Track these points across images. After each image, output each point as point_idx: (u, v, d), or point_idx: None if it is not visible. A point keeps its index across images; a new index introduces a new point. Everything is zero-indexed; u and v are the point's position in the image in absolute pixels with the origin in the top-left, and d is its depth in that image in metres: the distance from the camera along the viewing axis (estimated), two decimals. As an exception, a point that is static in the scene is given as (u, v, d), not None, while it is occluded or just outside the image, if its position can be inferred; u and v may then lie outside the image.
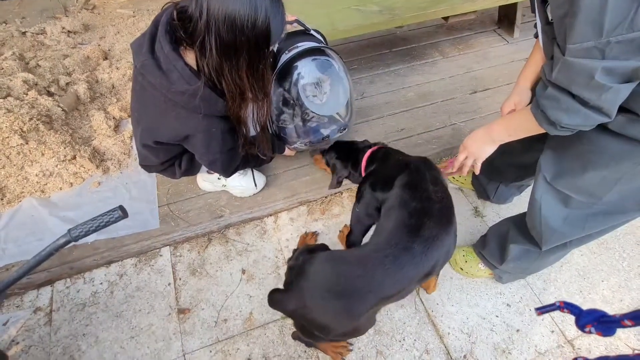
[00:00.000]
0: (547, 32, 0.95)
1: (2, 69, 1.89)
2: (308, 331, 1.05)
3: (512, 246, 1.35)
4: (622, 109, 0.81)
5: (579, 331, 1.45)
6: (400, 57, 2.38)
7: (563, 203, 1.09)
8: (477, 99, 2.13)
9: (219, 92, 1.04)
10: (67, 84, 1.94)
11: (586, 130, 0.82)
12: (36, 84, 1.83)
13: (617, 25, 0.64)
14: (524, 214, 1.28)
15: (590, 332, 0.77)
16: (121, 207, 1.01)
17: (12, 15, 2.64)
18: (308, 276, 1.00)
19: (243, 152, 1.26)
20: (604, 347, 1.44)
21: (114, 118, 1.89)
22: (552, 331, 1.48)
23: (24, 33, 2.41)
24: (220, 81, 1.00)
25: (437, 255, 0.99)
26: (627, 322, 0.69)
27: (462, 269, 1.58)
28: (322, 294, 0.97)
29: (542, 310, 0.87)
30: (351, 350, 1.38)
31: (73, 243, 1.22)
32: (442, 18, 1.98)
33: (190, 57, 1.02)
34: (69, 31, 2.43)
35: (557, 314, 1.51)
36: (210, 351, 1.40)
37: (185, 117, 1.07)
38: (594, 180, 1.00)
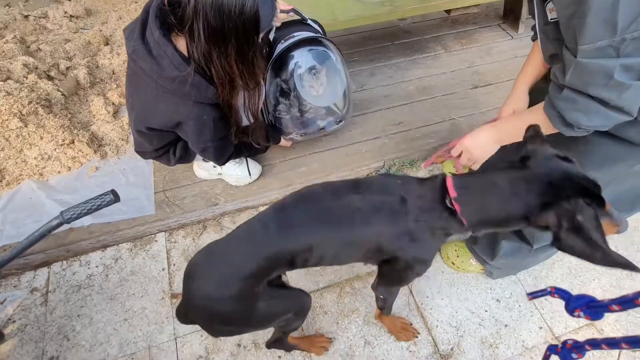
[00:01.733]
0: (546, 32, 0.94)
1: (3, 52, 1.91)
2: (212, 328, 1.00)
3: (504, 242, 1.35)
4: None
5: (567, 328, 1.47)
6: (402, 50, 2.36)
7: None
8: (478, 94, 2.12)
9: (209, 79, 1.05)
10: (67, 68, 1.94)
11: (604, 130, 0.81)
12: (36, 68, 1.84)
13: (632, 21, 0.63)
14: None
15: (579, 317, 0.79)
16: (113, 192, 1.03)
17: (15, -1, 2.64)
18: (186, 274, 0.96)
19: (236, 140, 1.26)
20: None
21: (113, 104, 1.90)
22: (541, 327, 1.49)
23: (26, 16, 2.41)
24: (209, 67, 1.00)
25: (294, 242, 0.90)
26: (615, 307, 0.71)
27: (453, 263, 1.59)
28: (196, 287, 0.93)
29: (534, 295, 0.88)
30: (333, 340, 1.40)
31: (67, 225, 1.24)
32: (445, 11, 1.95)
33: (182, 44, 1.02)
34: (71, 15, 2.43)
35: (547, 310, 1.52)
36: (202, 335, 1.42)
37: (177, 104, 1.07)
38: None
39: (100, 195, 1.02)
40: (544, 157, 0.78)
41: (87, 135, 1.73)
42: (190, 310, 0.97)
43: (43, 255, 1.52)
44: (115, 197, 1.02)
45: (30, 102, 1.66)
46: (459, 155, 1.12)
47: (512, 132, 0.98)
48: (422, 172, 1.91)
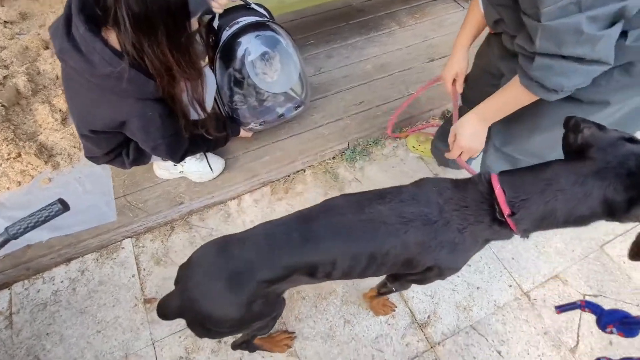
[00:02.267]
0: None
1: None
2: (203, 327, 0.92)
3: None
4: None
5: (534, 283, 1.54)
6: (357, 30, 2.35)
7: (512, 165, 1.13)
8: (435, 67, 2.14)
9: (148, 73, 1.00)
10: (4, 77, 1.82)
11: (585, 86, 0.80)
12: (-32, 80, 1.72)
13: None
14: None
15: (611, 332, 0.74)
16: (61, 200, 0.98)
17: (-62, 7, 2.42)
18: (191, 263, 0.90)
19: (187, 134, 1.22)
20: (557, 296, 1.53)
21: (60, 110, 1.80)
22: (510, 286, 1.56)
23: (-47, 26, 2.23)
24: (143, 58, 0.95)
25: (315, 254, 0.86)
26: None
27: (415, 148, 1.72)
28: (204, 280, 0.87)
29: (562, 309, 0.84)
30: (295, 337, 1.40)
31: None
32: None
33: (113, 38, 0.96)
34: (5, 21, 2.26)
35: (515, 269, 1.58)
36: (180, 337, 1.40)
37: (117, 103, 1.02)
38: (540, 143, 1.05)
39: (47, 206, 0.97)
40: (608, 143, 0.70)
41: (35, 147, 1.64)
42: (184, 303, 0.89)
43: (1, 276, 1.45)
44: (64, 206, 0.97)
45: (-35, 117, 1.55)
46: (460, 155, 1.12)
47: (494, 111, 0.99)
48: (388, 149, 1.93)
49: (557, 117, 0.92)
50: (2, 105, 1.71)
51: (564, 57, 0.73)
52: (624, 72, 0.82)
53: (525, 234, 0.80)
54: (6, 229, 0.95)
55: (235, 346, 1.23)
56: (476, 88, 1.29)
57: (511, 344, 1.42)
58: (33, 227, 0.96)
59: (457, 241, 0.82)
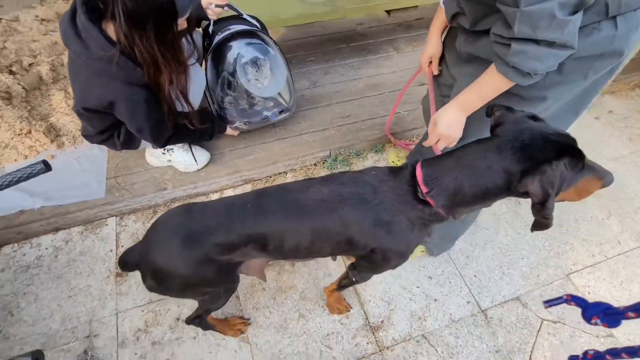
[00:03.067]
0: None
1: (-32, 48, 2.01)
2: (154, 280, 0.98)
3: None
4: None
5: (493, 302, 1.55)
6: (357, 52, 2.50)
7: None
8: (424, 91, 2.24)
9: (137, 61, 1.15)
10: (30, 64, 2.04)
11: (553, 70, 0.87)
12: (-2, 63, 1.95)
13: None
14: None
15: (596, 324, 0.77)
16: (44, 161, 1.10)
17: (-10, 4, 2.75)
18: (156, 222, 0.99)
19: (170, 122, 1.36)
20: (515, 317, 1.53)
21: (73, 98, 1.99)
22: (468, 302, 1.58)
23: (-1, 20, 2.52)
24: (133, 49, 1.10)
25: (265, 225, 0.93)
26: (631, 314, 0.71)
27: None
28: (163, 235, 0.95)
29: (550, 303, 0.87)
30: (250, 324, 1.45)
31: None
32: (386, 11, 2.10)
33: (111, 29, 1.13)
34: (42, 19, 2.54)
35: (475, 286, 1.61)
36: (142, 310, 1.49)
37: (107, 84, 1.17)
38: None
39: (31, 165, 1.09)
40: (513, 121, 0.79)
41: (45, 126, 1.82)
42: (142, 254, 0.97)
43: (-6, 236, 1.59)
44: (46, 166, 1.10)
45: (-11, 94, 1.75)
46: (437, 142, 1.17)
47: (473, 100, 1.03)
48: (369, 161, 2.02)
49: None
50: (24, 88, 1.92)
51: (537, 42, 0.80)
52: (557, 71, 0.91)
53: (448, 212, 0.86)
54: (-7, 180, 1.08)
55: (189, 320, 1.27)
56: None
57: (460, 357, 1.43)
58: (16, 182, 1.09)
59: (392, 221, 0.89)
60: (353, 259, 1.17)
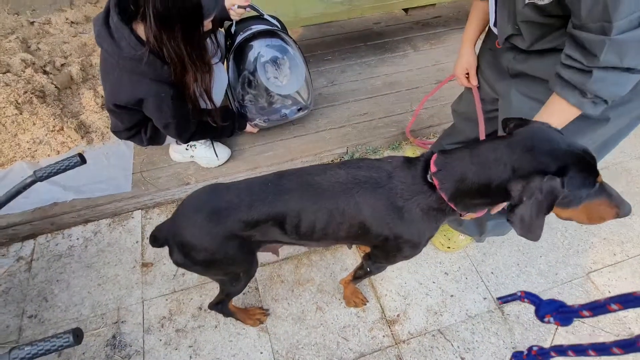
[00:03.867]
0: (517, 14, 0.97)
1: (5, 49, 2.13)
2: (180, 252, 1.03)
3: (488, 222, 1.46)
4: None
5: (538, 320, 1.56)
6: (373, 50, 2.52)
7: None
8: (441, 88, 2.24)
9: (164, 60, 1.21)
10: (62, 65, 2.15)
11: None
12: (33, 63, 2.05)
13: None
14: None
15: (549, 322, 0.77)
16: (80, 155, 1.18)
17: (24, 8, 2.90)
18: (184, 201, 1.05)
19: (194, 118, 1.42)
20: (532, 314, 1.53)
21: (102, 97, 2.09)
22: (485, 298, 1.58)
23: (32, 23, 2.65)
24: (162, 48, 1.16)
25: (283, 204, 0.97)
26: (586, 313, 0.69)
27: (449, 247, 1.68)
28: (190, 211, 1.01)
29: (504, 299, 0.87)
30: (269, 314, 1.50)
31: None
32: (403, 10, 2.11)
33: (141, 30, 1.19)
34: (72, 22, 2.67)
35: (492, 283, 1.61)
36: (167, 299, 1.55)
37: (137, 82, 1.24)
38: None
39: (68, 158, 1.17)
40: (533, 127, 0.78)
41: (76, 123, 1.91)
42: (170, 228, 1.04)
43: (30, 226, 1.68)
44: (82, 159, 1.17)
45: (25, 92, 1.86)
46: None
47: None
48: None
49: (566, 130, 0.92)
50: (56, 87, 2.02)
51: (616, 68, 0.77)
52: (633, 89, 0.87)
53: (452, 200, 0.85)
54: (34, 172, 1.16)
55: (211, 305, 1.33)
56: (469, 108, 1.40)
57: (476, 353, 1.44)
58: (56, 173, 1.17)
59: (404, 207, 0.90)
60: (368, 250, 1.20)
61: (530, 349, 0.82)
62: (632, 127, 1.08)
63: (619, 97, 0.83)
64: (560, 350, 0.73)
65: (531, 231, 0.74)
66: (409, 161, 0.95)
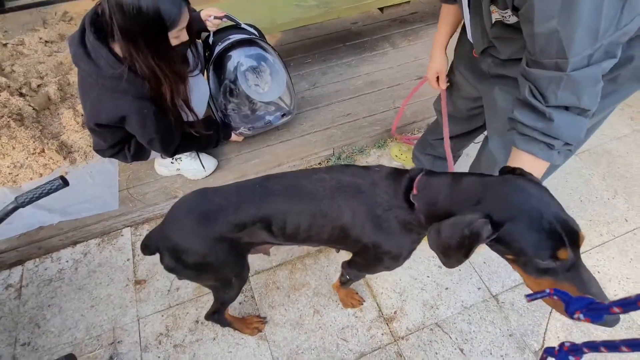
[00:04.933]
0: (485, 33, 0.99)
1: (-21, 75, 2.08)
2: (172, 257, 1.03)
3: None
4: None
5: (503, 287, 1.58)
6: (353, 50, 2.54)
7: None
8: (423, 86, 2.27)
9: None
10: (38, 85, 2.11)
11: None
12: (9, 86, 2.01)
13: (608, 27, 0.66)
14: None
15: (579, 319, 0.75)
16: (62, 177, 1.15)
17: (-5, 30, 2.84)
18: (174, 205, 1.06)
19: (177, 131, 1.41)
20: (525, 300, 1.55)
21: (82, 115, 2.06)
22: (479, 288, 1.60)
23: (5, 45, 2.60)
24: (134, 63, 1.15)
25: (270, 206, 0.98)
26: (616, 309, 0.67)
27: None
28: (179, 216, 1.02)
29: (532, 297, 0.85)
30: (266, 322, 1.50)
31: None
32: (379, 9, 2.13)
33: (118, 48, 1.18)
34: (46, 41, 2.62)
35: (485, 272, 1.63)
36: (162, 315, 1.54)
37: (118, 100, 1.23)
38: None
39: (50, 181, 1.15)
40: (525, 179, 0.73)
41: (57, 144, 1.88)
42: (161, 234, 1.03)
43: (16, 253, 1.65)
44: (64, 182, 1.15)
45: (2, 117, 1.82)
46: None
47: None
48: (372, 157, 2.05)
49: None
50: (34, 109, 1.99)
51: (572, 113, 0.75)
52: (611, 82, 0.89)
53: (427, 221, 0.84)
54: (15, 198, 1.14)
55: (207, 315, 1.32)
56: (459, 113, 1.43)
57: (474, 343, 1.46)
58: (38, 198, 1.14)
59: (382, 216, 0.92)
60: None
61: (562, 344, 0.83)
62: (610, 113, 1.11)
63: (577, 141, 0.79)
64: (593, 346, 0.73)
65: (446, 255, 0.72)
66: (395, 173, 0.95)
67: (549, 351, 0.87)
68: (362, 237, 0.97)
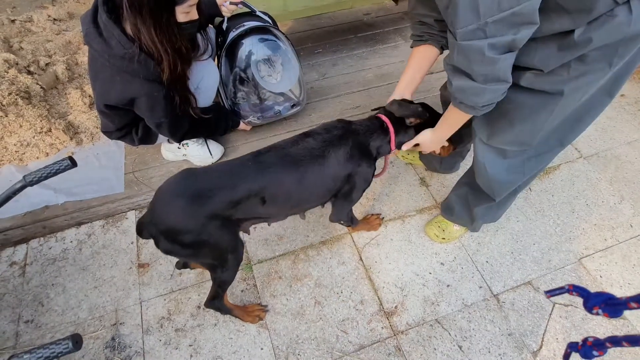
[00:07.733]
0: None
1: (-13, 50, 2.07)
2: (166, 238, 1.05)
3: (476, 209, 1.52)
4: (528, 68, 0.97)
5: (505, 286, 1.58)
6: (364, 42, 2.51)
7: (502, 156, 1.26)
8: (432, 79, 2.25)
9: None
10: (46, 64, 2.10)
11: (500, 99, 0.97)
12: (17, 64, 2.00)
13: (489, 7, 0.77)
14: (474, 174, 1.43)
15: (597, 314, 0.78)
16: (70, 158, 1.15)
17: (3, 5, 2.81)
18: (161, 187, 1.07)
19: (187, 116, 1.40)
20: (527, 301, 1.56)
21: (89, 96, 2.05)
22: (480, 287, 1.61)
23: (13, 21, 2.58)
24: (140, 39, 1.14)
25: (265, 179, 1.07)
26: (633, 304, 0.69)
27: (444, 238, 1.70)
28: (169, 198, 1.04)
29: (552, 293, 0.87)
30: (268, 311, 1.50)
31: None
32: (393, 0, 2.09)
33: (129, 29, 1.16)
34: (54, 19, 2.59)
35: (487, 272, 1.63)
36: (165, 299, 1.55)
37: (129, 81, 1.21)
38: (521, 132, 1.16)
39: (58, 161, 1.15)
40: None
41: (64, 124, 1.88)
42: (153, 217, 1.05)
43: (21, 231, 1.66)
44: (72, 162, 1.15)
45: (10, 94, 1.81)
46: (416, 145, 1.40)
47: (445, 129, 1.25)
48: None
49: (530, 107, 1.06)
50: (42, 88, 1.98)
51: (472, 78, 0.89)
52: (580, 61, 0.93)
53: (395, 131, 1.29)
54: (24, 177, 1.14)
55: (207, 302, 1.33)
56: None
57: (473, 340, 1.47)
58: (46, 178, 1.14)
59: (361, 147, 1.22)
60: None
61: (585, 339, 0.82)
62: (603, 103, 1.10)
63: (485, 104, 0.96)
64: (615, 340, 0.74)
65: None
66: (362, 120, 1.29)
67: (572, 346, 0.87)
68: (346, 170, 1.21)
